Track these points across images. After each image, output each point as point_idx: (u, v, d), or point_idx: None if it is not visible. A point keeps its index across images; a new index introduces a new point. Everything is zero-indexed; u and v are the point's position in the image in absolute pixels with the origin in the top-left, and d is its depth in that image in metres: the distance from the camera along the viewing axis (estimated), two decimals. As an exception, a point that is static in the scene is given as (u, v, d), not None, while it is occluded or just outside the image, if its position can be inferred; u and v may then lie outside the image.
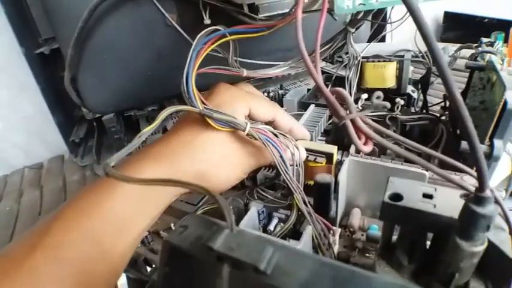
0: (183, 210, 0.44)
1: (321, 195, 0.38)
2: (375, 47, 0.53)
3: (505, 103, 0.32)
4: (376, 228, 0.39)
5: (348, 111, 0.20)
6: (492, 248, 0.22)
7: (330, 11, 0.26)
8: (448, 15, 1.02)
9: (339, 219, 0.40)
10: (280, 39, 0.51)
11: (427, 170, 0.35)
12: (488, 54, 0.40)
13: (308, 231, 0.30)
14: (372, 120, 0.32)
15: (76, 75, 0.57)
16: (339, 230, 0.38)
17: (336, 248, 0.37)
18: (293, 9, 0.35)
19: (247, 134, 0.34)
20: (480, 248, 0.21)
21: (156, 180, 0.18)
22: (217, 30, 0.33)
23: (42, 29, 0.68)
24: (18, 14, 0.66)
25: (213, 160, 0.35)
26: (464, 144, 0.37)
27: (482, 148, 0.37)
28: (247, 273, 0.14)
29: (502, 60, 0.38)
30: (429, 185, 0.26)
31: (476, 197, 0.19)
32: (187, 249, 0.16)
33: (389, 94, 0.54)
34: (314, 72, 0.18)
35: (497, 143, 0.34)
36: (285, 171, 0.34)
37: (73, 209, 0.29)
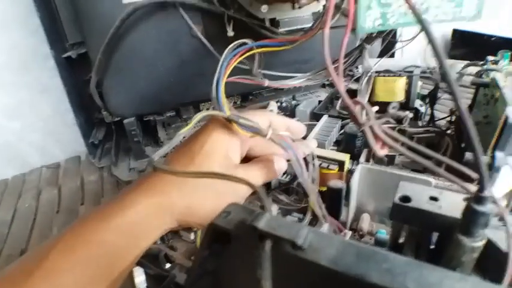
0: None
1: (333, 200, 0.41)
2: (386, 62, 0.56)
3: (506, 118, 0.35)
4: (384, 233, 0.41)
5: (366, 119, 0.23)
6: (490, 245, 0.24)
7: (352, 30, 0.29)
8: (456, 33, 1.05)
9: (349, 223, 0.43)
10: (297, 53, 0.55)
11: (434, 178, 0.38)
12: (493, 72, 0.43)
13: (325, 228, 0.33)
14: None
15: (102, 79, 0.61)
16: (350, 232, 0.40)
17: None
18: (314, 25, 0.39)
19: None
20: (480, 243, 0.23)
21: (202, 172, 0.21)
22: (245, 44, 0.36)
23: (69, 33, 0.71)
24: (49, 18, 0.69)
25: (203, 194, 0.33)
26: (468, 156, 0.39)
27: (484, 159, 0.40)
28: (286, 249, 0.17)
29: (506, 77, 0.41)
30: (435, 189, 0.29)
31: (477, 197, 0.22)
32: (232, 230, 0.18)
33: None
34: (340, 85, 0.21)
35: (499, 154, 0.37)
36: (302, 174, 0.37)
37: (70, 236, 0.30)
